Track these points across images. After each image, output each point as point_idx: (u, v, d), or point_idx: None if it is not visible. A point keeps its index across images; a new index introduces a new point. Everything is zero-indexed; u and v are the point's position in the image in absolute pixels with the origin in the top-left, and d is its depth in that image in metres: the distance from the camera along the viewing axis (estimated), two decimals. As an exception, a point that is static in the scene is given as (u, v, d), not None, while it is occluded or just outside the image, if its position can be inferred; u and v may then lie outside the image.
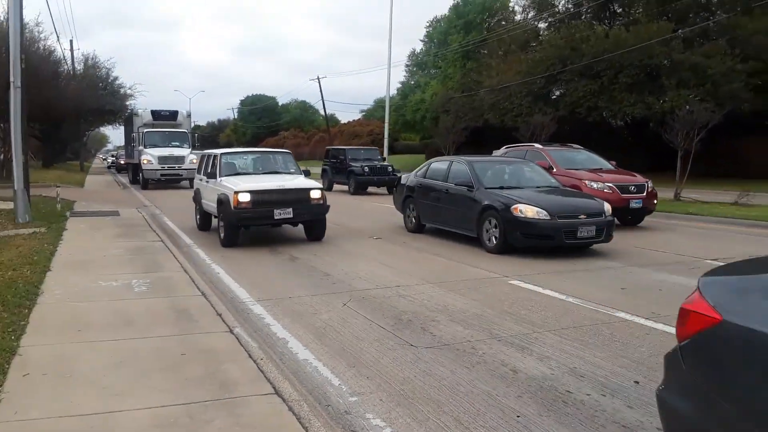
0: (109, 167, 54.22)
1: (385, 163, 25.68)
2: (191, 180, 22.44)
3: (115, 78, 40.36)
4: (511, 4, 46.71)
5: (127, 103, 40.11)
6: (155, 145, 25.37)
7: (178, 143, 26.04)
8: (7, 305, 5.57)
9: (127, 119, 31.96)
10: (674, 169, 18.12)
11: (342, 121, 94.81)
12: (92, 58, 39.62)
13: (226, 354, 4.48)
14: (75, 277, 7.13)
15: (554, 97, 37.78)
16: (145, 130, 26.24)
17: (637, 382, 4.18)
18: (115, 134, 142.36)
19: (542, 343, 5.03)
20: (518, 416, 3.66)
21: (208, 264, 8.69)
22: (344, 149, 25.56)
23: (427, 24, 53.68)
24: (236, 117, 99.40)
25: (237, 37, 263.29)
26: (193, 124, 35.21)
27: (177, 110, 28.58)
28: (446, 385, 4.16)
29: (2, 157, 25.05)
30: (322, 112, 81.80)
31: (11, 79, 11.51)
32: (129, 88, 40.36)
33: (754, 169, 32.21)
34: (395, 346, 5.01)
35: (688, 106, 18.41)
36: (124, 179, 33.45)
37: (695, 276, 7.73)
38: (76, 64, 39.04)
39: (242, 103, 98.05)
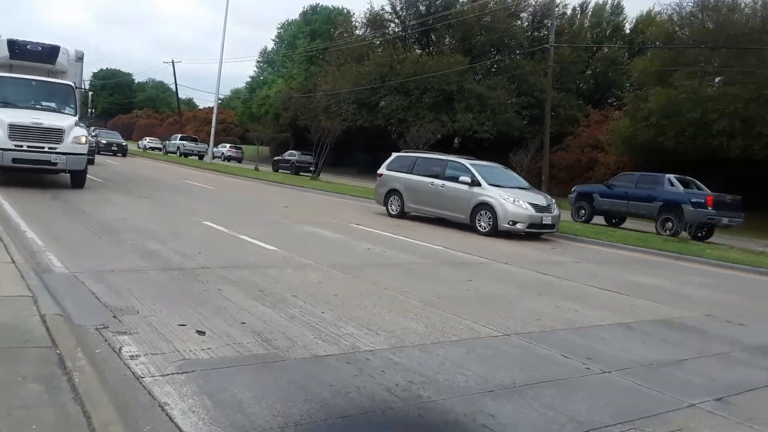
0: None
1: None
2: (76, 174, 15.24)
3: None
4: (352, 20, 51.89)
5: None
6: (10, 104, 14.69)
7: (54, 104, 15.46)
8: None
9: None
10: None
11: (200, 107, 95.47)
12: None
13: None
14: None
15: (377, 107, 43.21)
16: None
17: (199, 253, 8.43)
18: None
19: (182, 246, 9.17)
20: (122, 257, 7.73)
21: (-2, 200, 12.03)
22: None
23: (279, 25, 57.62)
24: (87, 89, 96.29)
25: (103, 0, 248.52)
26: (88, 79, 24.21)
27: (57, 46, 16.63)
28: (97, 248, 8.15)
29: None
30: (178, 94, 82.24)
31: None
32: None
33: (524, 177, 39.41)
34: (91, 236, 8.93)
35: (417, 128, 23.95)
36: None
37: (329, 228, 12.63)
38: None
39: (95, 75, 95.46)
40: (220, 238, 10.09)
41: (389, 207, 16.32)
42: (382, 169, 16.83)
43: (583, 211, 21.06)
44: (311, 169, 38.00)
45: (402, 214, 15.96)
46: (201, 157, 50.71)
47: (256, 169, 33.77)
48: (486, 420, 3.77)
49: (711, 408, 4.32)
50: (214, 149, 53.42)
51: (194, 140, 56.11)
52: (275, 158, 42.08)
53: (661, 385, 4.71)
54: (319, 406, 3.76)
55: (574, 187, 22.16)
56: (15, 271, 5.94)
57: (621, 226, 20.44)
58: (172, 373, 4.06)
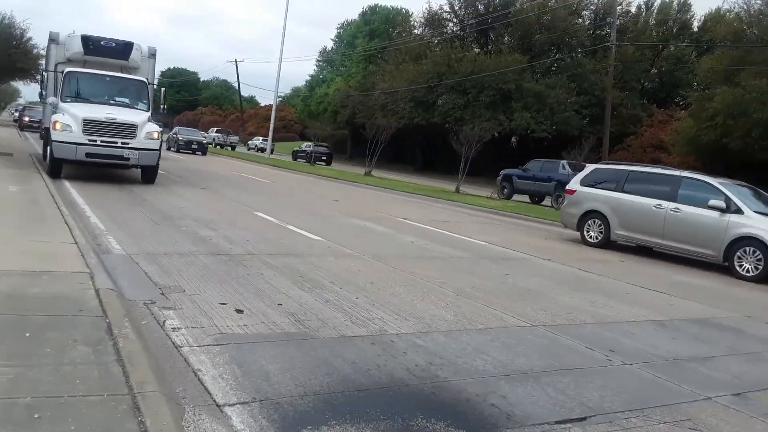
0: (15, 121, 55.69)
1: None
2: (147, 169, 15.19)
3: (29, 39, 42.31)
4: (411, 20, 52.16)
5: (40, 62, 42.13)
6: (84, 99, 14.84)
7: (128, 100, 15.66)
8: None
9: (47, 55, 17.77)
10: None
11: (261, 104, 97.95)
12: (8, 18, 41.50)
13: (48, 207, 8.80)
14: (-29, 181, 11.18)
15: (433, 105, 43.31)
16: (68, 70, 15.18)
17: (247, 240, 8.85)
18: (27, 90, 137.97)
19: (232, 233, 9.64)
20: (175, 242, 8.23)
21: (68, 187, 12.86)
22: None
23: (338, 26, 58.45)
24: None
25: (171, 2, 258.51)
26: (158, 75, 23.63)
27: (131, 42, 16.63)
28: (153, 233, 8.68)
29: None
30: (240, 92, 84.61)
31: None
32: (42, 49, 42.39)
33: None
34: (149, 222, 9.51)
35: (472, 126, 24.03)
36: (31, 136, 33.12)
37: (376, 222, 12.86)
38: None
39: (163, 74, 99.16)
40: (268, 227, 10.53)
41: (586, 233, 13.14)
42: (574, 185, 13.76)
43: (505, 190, 26.53)
44: (323, 158, 43.72)
45: (606, 243, 12.77)
46: (233, 148, 56.43)
47: (312, 164, 34.81)
48: (496, 400, 3.94)
49: (727, 402, 4.34)
50: (249, 142, 62.85)
51: (228, 133, 61.29)
52: (294, 149, 46.74)
53: (680, 379, 4.74)
54: (339, 379, 4.01)
55: (501, 171, 27.08)
56: (77, 251, 6.46)
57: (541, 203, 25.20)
58: (208, 345, 4.40)
